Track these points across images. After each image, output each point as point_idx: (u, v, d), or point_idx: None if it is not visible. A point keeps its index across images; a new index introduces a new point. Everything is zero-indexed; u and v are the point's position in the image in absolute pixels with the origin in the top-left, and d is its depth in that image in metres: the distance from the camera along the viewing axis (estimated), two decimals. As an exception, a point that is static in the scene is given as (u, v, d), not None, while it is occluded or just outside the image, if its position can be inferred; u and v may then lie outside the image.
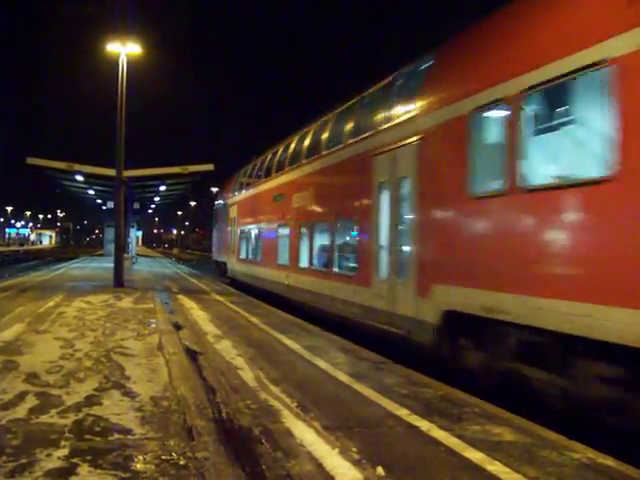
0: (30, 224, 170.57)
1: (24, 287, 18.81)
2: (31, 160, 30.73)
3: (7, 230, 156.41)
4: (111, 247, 30.81)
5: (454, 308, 7.70)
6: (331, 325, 11.69)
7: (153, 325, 10.91)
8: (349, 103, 13.01)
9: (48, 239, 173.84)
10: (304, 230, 14.86)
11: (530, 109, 6.61)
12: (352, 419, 5.33)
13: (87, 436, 4.65)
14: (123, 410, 5.36)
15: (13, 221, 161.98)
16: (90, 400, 5.67)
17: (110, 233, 39.65)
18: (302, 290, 14.60)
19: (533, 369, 6.36)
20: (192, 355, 8.15)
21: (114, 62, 19.67)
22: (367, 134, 11.12)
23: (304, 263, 14.63)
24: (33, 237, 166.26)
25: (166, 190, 44.92)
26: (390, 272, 9.75)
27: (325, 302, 12.84)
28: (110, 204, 40.86)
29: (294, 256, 15.49)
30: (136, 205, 46.13)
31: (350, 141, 12.00)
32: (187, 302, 15.40)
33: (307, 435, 4.82)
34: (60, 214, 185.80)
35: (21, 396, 5.74)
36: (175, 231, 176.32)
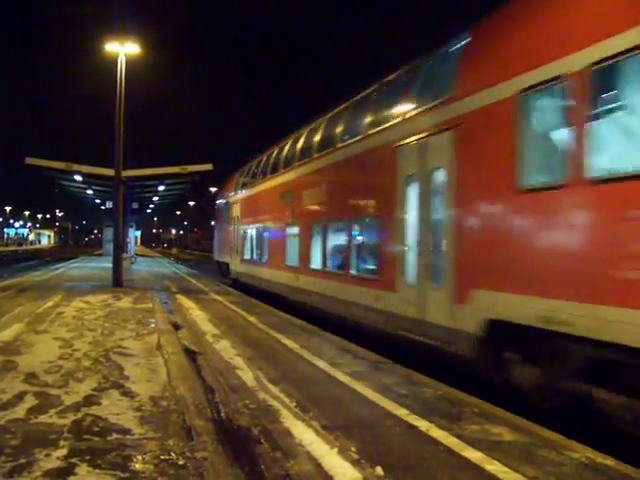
0: (29, 224, 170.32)
1: (23, 287, 18.79)
2: (30, 160, 30.75)
3: (6, 230, 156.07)
4: (110, 247, 30.77)
5: (499, 317, 6.78)
6: (330, 325, 11.67)
7: (152, 325, 10.90)
8: (367, 91, 11.95)
9: (47, 239, 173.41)
10: (316, 229, 13.70)
11: (601, 86, 5.65)
12: (351, 419, 5.33)
13: (86, 436, 4.65)
14: (122, 410, 5.37)
15: (12, 221, 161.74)
16: (89, 400, 5.68)
17: (109, 233, 39.58)
18: (313, 293, 13.59)
19: (603, 391, 5.53)
20: (191, 355, 8.15)
21: (113, 62, 19.71)
22: (390, 123, 10.02)
23: (316, 264, 13.54)
24: (32, 237, 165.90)
25: (165, 190, 44.98)
26: (419, 275, 8.73)
27: (338, 306, 11.89)
28: (109, 204, 40.90)
29: (304, 257, 14.43)
30: (135, 205, 46.03)
31: (370, 132, 10.84)
32: (186, 302, 15.39)
33: (306, 435, 4.82)
34: (59, 214, 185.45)
35: (20, 396, 5.74)
36: (174, 231, 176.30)
